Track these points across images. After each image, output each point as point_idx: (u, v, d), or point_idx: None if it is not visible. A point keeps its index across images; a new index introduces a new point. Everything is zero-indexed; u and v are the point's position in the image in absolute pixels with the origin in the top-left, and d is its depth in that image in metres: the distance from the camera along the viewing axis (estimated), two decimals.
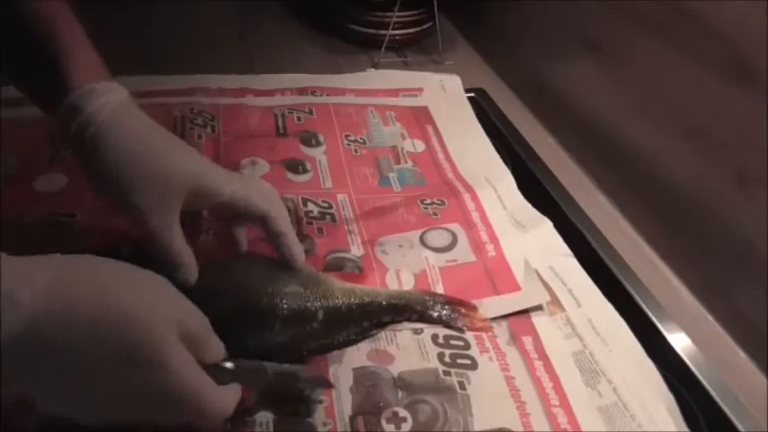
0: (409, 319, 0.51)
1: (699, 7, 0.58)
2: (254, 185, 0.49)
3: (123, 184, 0.43)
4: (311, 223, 0.60)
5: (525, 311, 0.53)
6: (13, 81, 0.48)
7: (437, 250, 0.58)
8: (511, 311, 0.53)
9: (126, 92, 0.46)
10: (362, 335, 0.50)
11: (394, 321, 0.51)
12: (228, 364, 0.40)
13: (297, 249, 0.49)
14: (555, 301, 0.54)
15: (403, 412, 0.45)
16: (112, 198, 0.44)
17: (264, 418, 0.43)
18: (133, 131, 0.45)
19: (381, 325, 0.50)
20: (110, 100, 0.44)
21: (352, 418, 0.44)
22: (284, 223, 0.49)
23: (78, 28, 0.46)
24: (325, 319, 0.48)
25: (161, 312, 0.36)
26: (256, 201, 0.47)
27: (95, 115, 0.43)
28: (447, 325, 0.51)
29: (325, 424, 0.43)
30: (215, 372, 0.38)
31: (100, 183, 0.45)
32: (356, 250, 0.57)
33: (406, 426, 0.44)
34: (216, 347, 0.40)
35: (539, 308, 0.53)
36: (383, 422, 0.44)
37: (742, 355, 0.57)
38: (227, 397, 0.39)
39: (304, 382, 0.45)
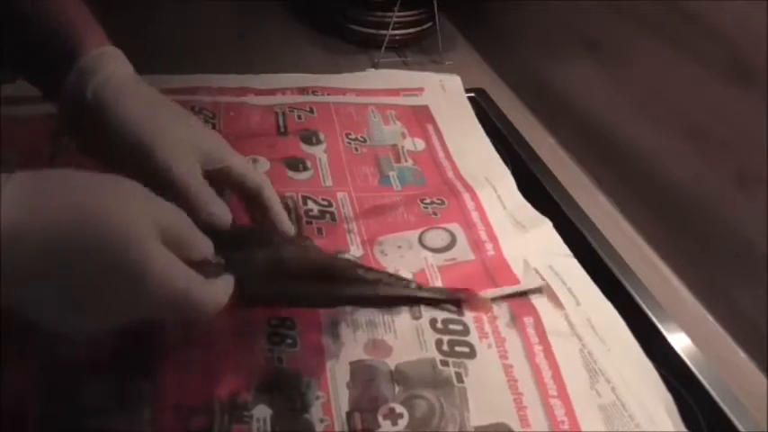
0: (407, 287, 0.51)
1: (699, 7, 0.58)
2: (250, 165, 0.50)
3: (145, 140, 0.43)
4: (311, 223, 0.60)
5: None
6: (15, 69, 0.48)
7: (436, 250, 0.58)
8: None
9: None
10: (358, 283, 0.50)
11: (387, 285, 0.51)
12: (217, 259, 0.40)
13: (288, 226, 0.49)
14: (554, 299, 0.54)
15: (399, 408, 0.44)
16: (125, 160, 0.44)
17: (262, 413, 0.43)
18: (145, 95, 0.46)
19: (375, 283, 0.50)
20: (118, 67, 0.45)
21: (349, 415, 0.44)
22: (278, 202, 0.48)
23: (86, 12, 0.47)
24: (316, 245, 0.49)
25: (139, 217, 0.35)
26: (254, 175, 0.48)
27: (112, 75, 0.44)
28: (446, 301, 0.51)
29: (322, 420, 0.43)
30: (203, 267, 0.38)
31: (114, 146, 0.44)
32: (355, 250, 0.57)
33: (403, 422, 0.44)
34: (202, 244, 0.39)
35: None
36: (380, 418, 0.44)
37: (742, 355, 0.57)
38: (217, 289, 0.39)
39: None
